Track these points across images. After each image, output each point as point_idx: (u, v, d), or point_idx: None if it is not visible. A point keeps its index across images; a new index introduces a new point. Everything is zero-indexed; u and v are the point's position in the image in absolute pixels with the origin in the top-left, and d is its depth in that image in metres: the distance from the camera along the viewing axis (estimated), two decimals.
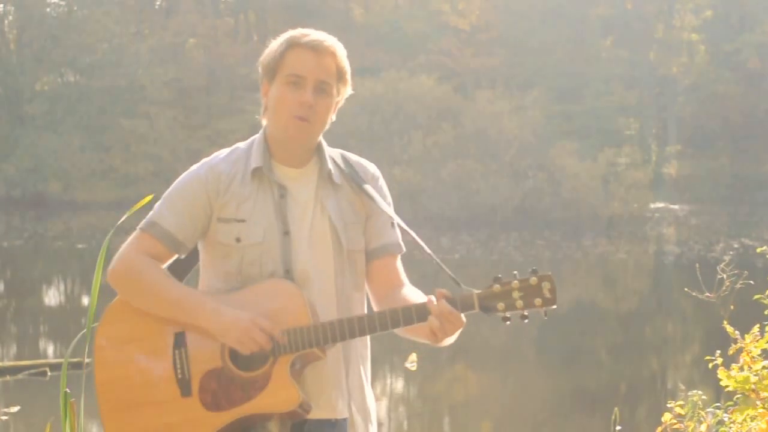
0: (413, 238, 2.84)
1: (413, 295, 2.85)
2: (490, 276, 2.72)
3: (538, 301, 2.67)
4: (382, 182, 2.95)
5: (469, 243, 28.90)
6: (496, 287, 2.69)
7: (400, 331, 2.85)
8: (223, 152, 2.90)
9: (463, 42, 44.83)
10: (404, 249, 2.96)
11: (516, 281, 2.69)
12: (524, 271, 2.70)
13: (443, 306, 2.66)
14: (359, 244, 2.88)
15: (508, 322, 2.69)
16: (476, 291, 2.70)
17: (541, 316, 2.71)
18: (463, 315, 2.69)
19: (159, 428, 2.75)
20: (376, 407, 2.97)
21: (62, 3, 46.62)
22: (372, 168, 2.95)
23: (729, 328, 4.25)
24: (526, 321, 2.69)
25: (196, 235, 2.83)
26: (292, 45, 2.80)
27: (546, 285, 2.68)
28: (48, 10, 46.41)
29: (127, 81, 43.25)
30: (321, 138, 2.89)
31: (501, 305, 2.68)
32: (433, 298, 2.70)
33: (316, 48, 2.79)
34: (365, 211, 2.90)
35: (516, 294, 2.68)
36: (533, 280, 2.68)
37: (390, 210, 2.91)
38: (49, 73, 46.06)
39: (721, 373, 4.10)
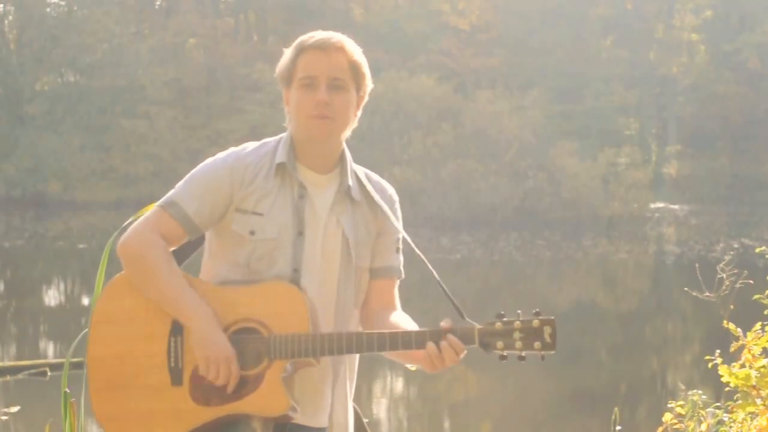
0: (421, 258, 2.86)
1: (403, 321, 2.85)
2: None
3: (537, 344, 2.65)
4: (398, 207, 2.97)
5: (469, 243, 28.89)
6: (498, 325, 2.67)
7: (389, 354, 2.84)
8: (252, 144, 2.91)
9: (463, 42, 44.84)
10: (404, 275, 2.97)
11: (518, 322, 2.67)
12: (528, 307, 2.69)
13: (450, 339, 2.67)
14: (366, 261, 2.90)
15: (504, 361, 2.69)
16: (478, 326, 2.69)
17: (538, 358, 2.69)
18: None
19: (144, 413, 2.73)
20: (354, 424, 2.97)
21: (62, 3, 46.65)
22: (391, 190, 2.97)
23: (731, 326, 4.26)
24: (523, 362, 2.69)
25: (212, 221, 2.83)
26: (301, 50, 2.82)
27: (547, 329, 2.66)
28: (48, 10, 46.43)
29: (127, 81, 43.26)
30: (346, 148, 2.90)
31: (500, 344, 2.67)
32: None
33: (322, 47, 2.80)
34: (377, 228, 2.91)
35: (517, 335, 2.66)
36: (536, 322, 2.66)
37: (402, 234, 2.93)
38: (49, 73, 46.07)
39: (722, 369, 4.11)
